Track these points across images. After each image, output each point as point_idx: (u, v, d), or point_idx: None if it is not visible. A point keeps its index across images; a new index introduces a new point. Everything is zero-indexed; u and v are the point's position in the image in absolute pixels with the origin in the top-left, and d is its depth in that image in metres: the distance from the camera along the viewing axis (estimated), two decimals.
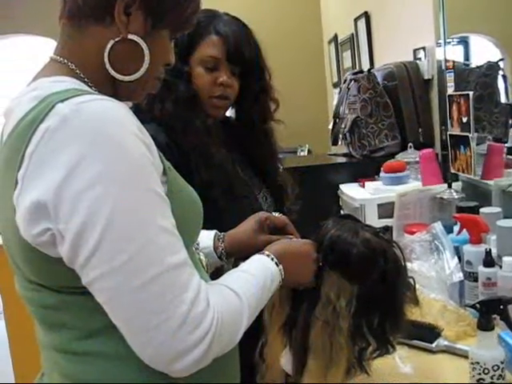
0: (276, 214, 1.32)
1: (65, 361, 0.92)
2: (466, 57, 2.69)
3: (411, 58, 2.97)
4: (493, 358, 1.17)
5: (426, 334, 1.41)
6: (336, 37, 4.93)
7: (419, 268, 1.63)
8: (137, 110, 0.92)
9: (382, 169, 2.56)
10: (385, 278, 1.12)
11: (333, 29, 5.11)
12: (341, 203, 2.81)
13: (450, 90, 2.52)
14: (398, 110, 2.88)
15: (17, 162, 0.82)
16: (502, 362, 1.17)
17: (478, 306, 1.22)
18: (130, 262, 0.79)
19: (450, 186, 2.13)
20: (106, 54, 0.93)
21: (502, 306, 1.21)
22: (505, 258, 1.46)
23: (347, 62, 4.61)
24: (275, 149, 1.65)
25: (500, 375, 1.17)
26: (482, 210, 1.85)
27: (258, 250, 1.11)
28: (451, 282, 1.60)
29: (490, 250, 1.52)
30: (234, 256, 1.27)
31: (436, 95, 2.75)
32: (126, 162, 0.81)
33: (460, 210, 1.92)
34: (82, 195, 0.78)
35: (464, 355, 1.30)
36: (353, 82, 2.96)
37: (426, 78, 2.82)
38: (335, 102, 3.31)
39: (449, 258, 1.66)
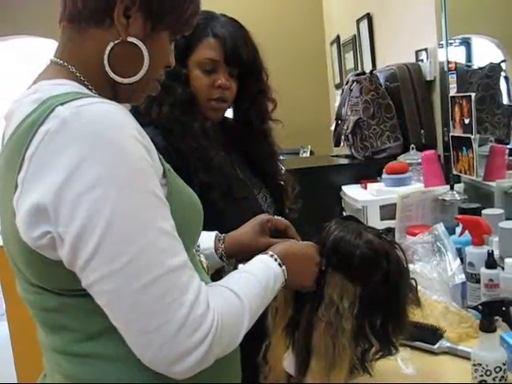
0: (277, 217, 1.32)
1: (66, 362, 0.93)
2: (468, 58, 2.69)
3: (413, 60, 2.97)
4: (495, 359, 1.17)
5: (429, 335, 1.41)
6: (338, 38, 4.93)
7: (421, 269, 1.63)
8: (134, 113, 0.92)
9: (384, 170, 2.56)
10: (387, 280, 1.12)
11: (335, 30, 5.12)
12: (343, 204, 2.81)
13: (452, 92, 2.52)
14: (400, 112, 2.88)
15: (17, 165, 0.82)
16: (504, 364, 1.17)
17: (480, 307, 1.22)
18: (130, 264, 0.79)
19: (452, 188, 2.13)
20: (105, 57, 0.93)
21: (504, 308, 1.22)
22: (507, 260, 1.46)
23: (349, 64, 4.62)
24: (274, 148, 1.65)
25: (502, 377, 1.17)
26: (484, 211, 1.85)
27: (259, 251, 1.11)
28: (453, 284, 1.60)
29: (492, 251, 1.52)
30: (234, 257, 1.27)
31: (438, 96, 2.75)
32: (126, 165, 0.81)
33: (462, 211, 1.92)
34: (81, 198, 0.78)
35: (466, 357, 1.30)
36: (355, 83, 2.96)
37: (428, 79, 2.82)
38: (337, 103, 3.31)
39: (451, 260, 1.66)
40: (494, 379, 1.17)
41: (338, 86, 5.04)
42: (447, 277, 1.62)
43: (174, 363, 0.82)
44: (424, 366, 1.34)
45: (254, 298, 0.95)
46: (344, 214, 2.68)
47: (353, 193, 2.65)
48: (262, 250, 1.11)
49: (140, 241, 0.80)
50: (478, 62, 2.60)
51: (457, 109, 2.28)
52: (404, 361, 1.33)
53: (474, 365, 1.19)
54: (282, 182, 1.65)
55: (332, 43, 5.21)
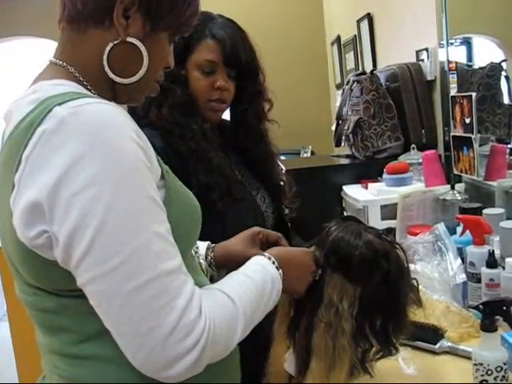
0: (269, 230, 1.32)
1: (63, 364, 0.93)
2: (469, 58, 2.68)
3: (414, 60, 2.97)
4: (496, 359, 1.17)
5: (429, 335, 1.41)
6: (339, 38, 4.93)
7: (422, 269, 1.63)
8: (133, 115, 0.92)
9: (384, 170, 2.56)
10: (388, 280, 1.12)
11: (335, 30, 5.11)
12: (344, 204, 2.81)
13: (453, 91, 2.52)
14: (401, 112, 2.88)
15: (14, 165, 0.82)
16: (505, 363, 1.17)
17: (481, 307, 1.22)
18: (121, 266, 0.79)
19: (452, 188, 2.13)
20: (104, 57, 0.93)
21: (505, 307, 1.21)
22: (508, 259, 1.46)
23: (350, 64, 4.61)
24: (271, 148, 1.65)
25: (503, 376, 1.17)
26: (485, 211, 1.85)
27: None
28: (454, 283, 1.60)
29: (493, 251, 1.52)
30: (224, 267, 1.24)
31: (439, 96, 2.74)
32: (122, 166, 0.81)
33: (463, 211, 1.92)
34: (75, 197, 0.78)
35: (467, 356, 1.30)
36: (356, 83, 2.96)
37: (428, 79, 2.82)
38: (338, 103, 3.31)
39: (452, 260, 1.66)
40: (495, 379, 1.17)
41: (338, 86, 5.04)
42: (448, 276, 1.61)
43: (165, 368, 0.81)
44: (425, 366, 1.34)
45: (249, 302, 0.94)
46: (345, 213, 2.68)
47: (353, 193, 2.65)
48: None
49: (133, 243, 0.80)
50: (479, 61, 2.60)
51: (457, 108, 2.28)
52: (405, 361, 1.33)
53: (475, 364, 1.19)
54: (281, 182, 1.65)
55: (333, 43, 5.21)
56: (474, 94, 2.15)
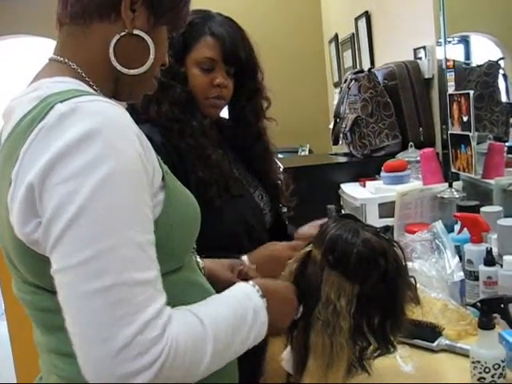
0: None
1: (62, 363, 0.92)
2: (467, 56, 2.68)
3: (412, 58, 2.97)
4: (494, 356, 1.17)
5: (427, 333, 1.41)
6: (336, 36, 4.93)
7: (420, 267, 1.63)
8: (132, 112, 0.92)
9: (382, 168, 2.56)
10: (385, 278, 1.12)
11: (333, 28, 5.11)
12: (342, 203, 2.81)
13: (451, 90, 2.52)
14: (399, 110, 2.88)
15: (13, 161, 0.82)
16: (502, 361, 1.17)
17: (478, 304, 1.22)
18: (86, 263, 0.76)
19: (450, 186, 2.13)
20: (111, 48, 0.94)
21: (502, 305, 1.22)
22: (505, 257, 1.46)
23: (348, 62, 4.61)
24: (269, 147, 1.65)
25: (501, 374, 1.17)
26: (482, 209, 1.85)
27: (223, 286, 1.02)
28: (452, 281, 1.60)
29: (491, 248, 1.52)
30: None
31: (436, 94, 2.74)
32: (113, 163, 0.79)
33: (461, 209, 1.92)
34: (58, 185, 0.78)
35: (465, 354, 1.30)
36: (353, 81, 2.96)
37: (426, 77, 2.82)
38: (336, 101, 3.31)
39: (450, 257, 1.66)
40: (492, 376, 1.17)
41: (336, 85, 5.04)
42: (446, 274, 1.62)
43: None
44: (423, 364, 1.34)
45: (224, 327, 0.88)
46: (342, 212, 2.68)
47: (351, 191, 2.65)
48: (224, 283, 1.07)
49: (104, 242, 0.77)
50: (477, 59, 2.60)
51: (455, 106, 2.28)
52: (403, 358, 1.33)
53: (473, 362, 1.20)
54: (279, 181, 1.66)
55: (330, 42, 5.21)
56: (471, 92, 2.15)
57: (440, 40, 2.57)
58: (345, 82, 3.11)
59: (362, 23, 3.99)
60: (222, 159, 1.48)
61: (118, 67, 0.95)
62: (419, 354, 1.39)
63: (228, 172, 1.48)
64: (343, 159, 3.14)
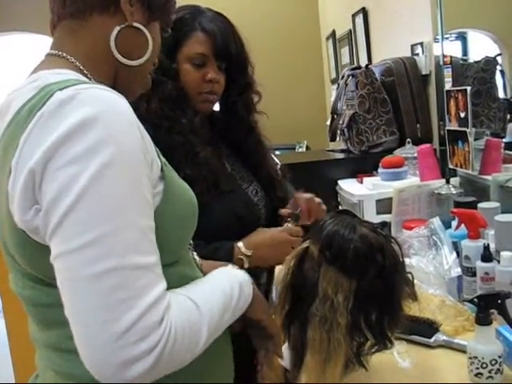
0: None
1: (59, 359, 0.92)
2: (464, 52, 2.69)
3: (409, 54, 2.97)
4: (491, 352, 1.17)
5: (425, 329, 1.42)
6: (334, 33, 4.93)
7: (417, 263, 1.63)
8: None
9: (380, 164, 2.56)
10: (383, 274, 1.12)
11: (331, 25, 5.11)
12: (339, 199, 2.81)
13: (448, 86, 2.52)
14: (396, 106, 2.88)
15: (13, 150, 0.82)
16: (499, 357, 1.18)
17: (476, 300, 1.22)
18: (87, 247, 0.76)
19: (448, 182, 2.14)
20: (112, 39, 0.96)
21: (499, 301, 1.22)
22: (503, 253, 1.46)
23: (345, 58, 4.61)
24: (261, 139, 1.65)
25: (498, 369, 1.18)
26: (479, 205, 1.85)
27: None
28: (449, 277, 1.60)
29: (488, 244, 1.52)
30: None
31: (434, 91, 2.75)
32: (115, 148, 0.79)
33: (458, 205, 1.92)
34: (60, 170, 0.77)
35: (462, 350, 1.31)
36: (351, 77, 2.96)
37: (423, 73, 2.82)
38: (333, 98, 3.30)
39: (447, 253, 1.66)
40: (489, 372, 1.18)
41: (333, 81, 5.04)
42: (443, 270, 1.62)
43: (117, 370, 0.76)
44: (420, 360, 1.34)
45: (216, 308, 0.91)
46: (340, 208, 2.68)
47: (349, 187, 2.66)
48: None
49: (104, 226, 0.77)
50: (474, 55, 2.60)
51: (452, 103, 2.28)
52: (400, 354, 1.33)
53: (470, 358, 1.20)
54: (274, 174, 1.65)
55: (328, 38, 5.20)
56: (468, 88, 2.15)
57: (437, 36, 2.57)
58: (342, 79, 3.11)
59: (360, 19, 3.99)
60: (210, 156, 1.47)
61: (119, 57, 0.97)
62: (416, 349, 1.39)
63: (217, 168, 1.47)
64: (340, 156, 3.14)
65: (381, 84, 2.90)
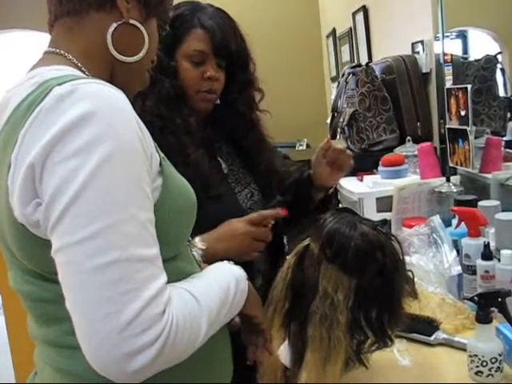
0: None
1: (58, 355, 0.92)
2: (465, 50, 2.68)
3: (409, 52, 2.97)
4: (491, 350, 1.17)
5: (425, 327, 1.42)
6: (334, 31, 4.93)
7: (417, 261, 1.63)
8: None
9: (380, 162, 2.56)
10: (383, 272, 1.12)
11: (331, 23, 5.11)
12: (339, 197, 2.81)
13: (449, 84, 2.52)
14: (397, 104, 2.88)
15: (12, 145, 0.82)
16: (500, 355, 1.18)
17: (476, 298, 1.22)
18: (88, 240, 0.77)
19: (448, 180, 2.13)
20: (108, 36, 0.96)
21: (500, 299, 1.22)
22: (503, 251, 1.46)
23: (345, 56, 4.61)
24: (264, 138, 1.63)
25: (498, 367, 1.18)
26: (480, 203, 1.85)
27: None
28: (449, 275, 1.60)
29: (489, 243, 1.52)
30: None
31: (434, 89, 2.75)
32: (113, 142, 0.80)
33: (458, 203, 1.92)
34: (60, 164, 0.78)
35: (462, 348, 1.31)
36: (351, 75, 2.96)
37: (424, 71, 2.82)
38: (333, 96, 3.30)
39: (447, 252, 1.66)
40: (489, 370, 1.18)
41: (334, 79, 5.04)
42: (443, 268, 1.62)
43: (119, 363, 0.76)
44: (420, 358, 1.34)
45: (214, 303, 0.92)
46: (340, 206, 2.68)
47: (349, 185, 2.65)
48: None
49: (105, 219, 0.77)
50: (474, 54, 2.60)
51: (453, 101, 2.28)
52: (400, 352, 1.33)
53: (470, 356, 1.20)
54: (273, 175, 1.61)
55: (328, 36, 5.20)
56: (469, 87, 2.15)
57: (438, 34, 2.57)
58: (342, 77, 3.11)
59: (360, 17, 3.99)
60: (202, 159, 1.43)
61: (115, 54, 0.97)
62: (416, 347, 1.39)
63: (208, 172, 1.43)
64: None
65: (381, 82, 2.90)
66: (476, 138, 2.19)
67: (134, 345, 0.76)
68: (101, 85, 0.85)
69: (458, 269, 1.62)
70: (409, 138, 2.69)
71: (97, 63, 0.97)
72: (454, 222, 1.80)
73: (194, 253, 1.15)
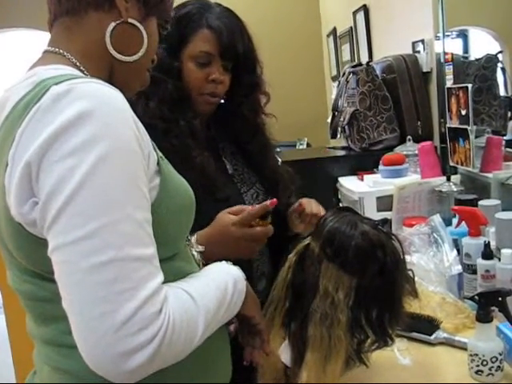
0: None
1: (57, 354, 0.92)
2: (465, 49, 2.68)
3: (410, 51, 2.97)
4: (491, 349, 1.17)
5: (425, 326, 1.42)
6: (335, 30, 4.92)
7: (418, 261, 1.63)
8: None
9: (380, 162, 2.56)
10: (383, 271, 1.12)
11: (331, 22, 5.10)
12: (340, 196, 2.81)
13: (449, 83, 2.51)
14: (397, 103, 2.88)
15: (9, 144, 0.82)
16: (500, 354, 1.18)
17: (476, 298, 1.22)
18: (84, 240, 0.76)
19: (448, 179, 2.14)
20: (107, 34, 0.96)
21: (500, 298, 1.22)
22: (503, 251, 1.46)
23: (346, 55, 4.61)
24: (268, 143, 1.60)
25: (498, 366, 1.18)
26: (480, 202, 1.85)
27: None
28: (450, 275, 1.60)
29: (489, 242, 1.52)
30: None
31: (435, 88, 2.74)
32: (110, 141, 0.80)
33: (459, 202, 1.92)
34: (57, 163, 0.78)
35: (463, 347, 1.31)
36: (351, 74, 2.96)
37: (424, 70, 2.82)
38: (334, 95, 3.30)
39: (448, 251, 1.66)
40: (490, 369, 1.18)
41: (334, 78, 5.03)
42: (444, 268, 1.62)
43: (115, 363, 0.76)
44: (420, 357, 1.34)
45: (212, 303, 0.92)
46: (341, 205, 2.68)
47: (349, 184, 2.65)
48: None
49: (102, 219, 0.77)
50: (475, 53, 2.59)
51: (453, 100, 2.28)
52: (400, 351, 1.34)
53: (471, 355, 1.20)
54: (278, 177, 1.59)
55: (328, 35, 5.20)
56: (470, 86, 2.15)
57: (438, 33, 2.57)
58: (343, 76, 3.11)
59: (360, 16, 3.99)
60: (207, 162, 1.40)
61: (114, 53, 0.97)
62: (417, 346, 1.39)
63: (214, 175, 1.41)
64: (341, 153, 3.13)
65: (382, 81, 2.90)
66: (476, 137, 2.19)
67: (130, 344, 0.76)
68: (98, 84, 0.85)
69: (458, 268, 1.62)
70: (409, 137, 2.69)
71: (96, 62, 0.97)
72: (455, 221, 1.81)
73: (195, 253, 1.15)
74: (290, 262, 1.19)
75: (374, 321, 1.14)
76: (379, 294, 1.13)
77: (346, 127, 2.97)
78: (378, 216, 2.20)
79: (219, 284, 0.97)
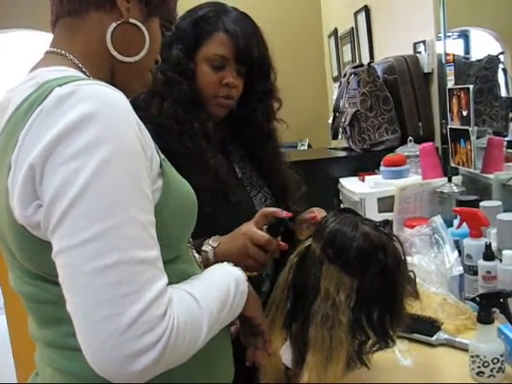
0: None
1: (59, 356, 0.92)
2: (466, 50, 2.68)
3: (411, 52, 2.97)
4: (492, 351, 1.17)
5: (426, 327, 1.42)
6: (336, 31, 4.92)
7: (419, 262, 1.63)
8: (132, 106, 0.91)
9: (381, 163, 2.56)
10: (384, 272, 1.12)
11: (333, 23, 5.10)
12: (341, 197, 2.81)
13: (450, 84, 2.52)
14: (398, 104, 2.88)
15: (12, 146, 0.82)
16: (501, 355, 1.18)
17: (477, 299, 1.22)
18: (89, 242, 0.76)
19: (450, 180, 2.13)
20: (108, 35, 0.96)
21: (501, 300, 1.22)
22: (504, 252, 1.46)
23: (347, 56, 4.61)
24: (278, 149, 1.59)
25: (499, 368, 1.18)
26: (481, 203, 1.85)
27: None
28: (451, 276, 1.60)
29: (490, 243, 1.52)
30: None
31: (436, 89, 2.74)
32: (114, 144, 0.79)
33: (460, 203, 1.92)
34: (61, 166, 0.77)
35: (464, 348, 1.31)
36: (353, 75, 2.96)
37: (425, 71, 2.82)
38: (335, 96, 3.30)
39: (449, 252, 1.66)
40: (491, 370, 1.18)
41: (335, 79, 5.03)
42: (445, 269, 1.62)
43: (120, 366, 0.76)
44: (422, 358, 1.34)
45: (215, 305, 0.92)
46: (342, 206, 2.68)
47: (350, 185, 2.65)
48: None
49: (106, 221, 0.77)
50: (476, 54, 2.60)
51: (455, 101, 2.28)
52: (402, 353, 1.33)
53: (472, 356, 1.20)
54: (287, 185, 1.58)
55: (330, 36, 5.20)
56: (471, 87, 2.15)
57: (440, 34, 2.57)
58: (344, 77, 3.11)
59: (362, 17, 3.98)
60: (221, 165, 1.41)
61: (115, 54, 0.97)
62: (418, 348, 1.39)
63: (226, 178, 1.41)
64: (342, 154, 3.14)
65: (383, 82, 2.90)
66: (478, 138, 2.19)
67: (135, 347, 0.76)
68: (101, 86, 0.85)
69: (459, 269, 1.62)
70: (410, 138, 2.69)
71: (97, 63, 0.97)
72: (456, 222, 1.80)
73: (196, 254, 1.15)
74: (291, 262, 1.19)
75: (375, 322, 1.14)
76: (380, 296, 1.13)
77: (347, 128, 2.97)
78: (379, 217, 2.20)
79: (221, 286, 0.97)
